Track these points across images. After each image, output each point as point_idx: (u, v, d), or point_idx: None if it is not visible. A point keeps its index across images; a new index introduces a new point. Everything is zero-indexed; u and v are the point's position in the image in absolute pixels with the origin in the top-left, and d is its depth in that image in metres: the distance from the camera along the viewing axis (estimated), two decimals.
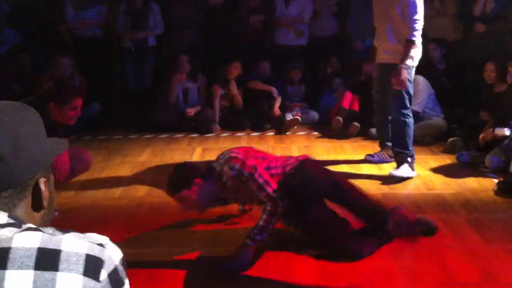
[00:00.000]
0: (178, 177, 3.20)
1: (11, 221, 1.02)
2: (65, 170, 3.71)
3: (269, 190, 3.12)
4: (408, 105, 4.62)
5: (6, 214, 1.03)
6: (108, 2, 7.05)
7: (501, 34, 5.99)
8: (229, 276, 3.05)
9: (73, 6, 6.77)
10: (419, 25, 4.35)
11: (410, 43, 4.38)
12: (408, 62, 4.45)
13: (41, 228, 1.03)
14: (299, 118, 6.53)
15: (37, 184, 1.10)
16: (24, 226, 1.02)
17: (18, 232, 0.99)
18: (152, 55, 7.09)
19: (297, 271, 3.09)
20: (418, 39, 4.37)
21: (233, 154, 3.17)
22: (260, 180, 3.12)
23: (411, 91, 4.61)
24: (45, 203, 1.13)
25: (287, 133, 6.44)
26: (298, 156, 3.45)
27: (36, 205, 1.11)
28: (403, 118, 4.59)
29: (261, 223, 3.11)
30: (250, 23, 7.21)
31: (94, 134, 6.44)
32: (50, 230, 1.03)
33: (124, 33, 6.87)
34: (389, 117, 4.77)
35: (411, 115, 4.67)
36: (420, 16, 4.35)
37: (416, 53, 4.47)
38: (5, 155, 1.04)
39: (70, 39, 7.03)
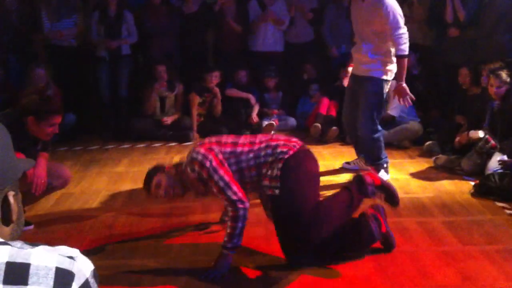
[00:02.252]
0: (149, 172, 3.43)
1: None
2: (41, 184, 3.63)
3: (229, 193, 3.04)
4: (376, 119, 4.64)
5: None
6: (82, 11, 7.00)
7: (473, 39, 6.07)
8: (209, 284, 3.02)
9: (48, 17, 6.70)
10: (405, 38, 4.36)
11: (402, 58, 4.40)
12: (385, 76, 4.49)
13: (9, 242, 1.00)
14: (274, 123, 6.56)
15: (6, 198, 1.09)
16: None
17: None
18: (127, 64, 7.04)
19: (278, 280, 3.08)
20: (407, 52, 4.39)
21: (194, 155, 3.13)
22: (221, 184, 3.05)
23: (381, 106, 4.65)
24: (14, 217, 1.11)
25: None
26: (288, 143, 3.22)
27: (5, 219, 1.09)
28: (371, 134, 4.63)
29: (228, 230, 3.06)
30: (228, 30, 7.19)
31: (70, 145, 6.37)
32: (18, 243, 1.01)
33: (98, 41, 6.82)
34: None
35: (379, 128, 4.70)
36: (404, 29, 4.35)
37: (394, 67, 4.51)
38: None
39: (44, 49, 6.97)
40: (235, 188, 3.07)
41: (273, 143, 3.20)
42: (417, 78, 6.47)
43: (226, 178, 3.08)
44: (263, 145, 3.20)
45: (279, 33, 7.30)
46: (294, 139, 3.33)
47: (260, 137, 3.30)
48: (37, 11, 6.80)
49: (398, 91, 4.53)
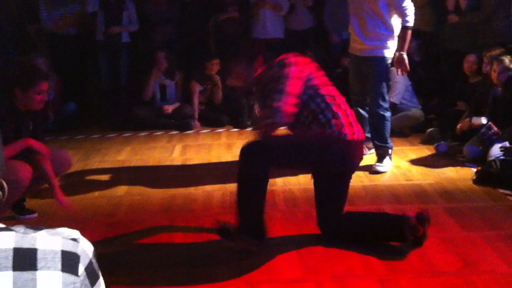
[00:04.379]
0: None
1: None
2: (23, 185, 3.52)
3: (282, 99, 3.06)
4: (387, 98, 4.65)
5: None
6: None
7: (474, 24, 6.04)
8: (211, 274, 3.04)
9: (46, 5, 6.68)
10: (410, 10, 4.39)
11: (406, 29, 4.43)
12: (386, 53, 4.48)
13: (11, 227, 1.01)
14: None
15: None
16: None
17: None
18: (126, 52, 7.03)
19: (280, 268, 3.09)
20: (412, 25, 4.41)
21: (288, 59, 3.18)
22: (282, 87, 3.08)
23: (388, 83, 4.65)
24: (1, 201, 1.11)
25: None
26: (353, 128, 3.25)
27: None
28: (382, 112, 4.62)
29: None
30: (228, 16, 7.17)
31: (71, 134, 6.37)
32: (21, 228, 1.01)
33: (98, 28, 6.79)
34: (367, 110, 4.79)
35: (388, 108, 4.70)
36: (409, 1, 4.39)
37: (393, 44, 4.51)
38: None
39: (43, 39, 6.95)
40: (289, 99, 3.08)
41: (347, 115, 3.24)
42: (419, 64, 6.45)
43: (290, 88, 3.09)
44: (339, 107, 3.23)
45: (279, 20, 7.27)
46: (359, 128, 3.33)
47: (343, 102, 3.31)
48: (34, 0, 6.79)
49: (398, 61, 4.51)
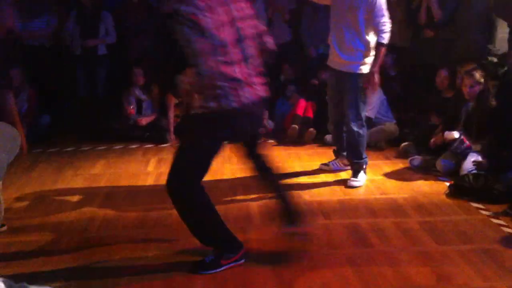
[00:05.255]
0: None
1: None
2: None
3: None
4: (363, 114, 4.68)
5: None
6: (57, 11, 6.92)
7: (449, 39, 6.13)
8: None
9: (20, 16, 6.60)
10: (387, 27, 4.42)
11: (381, 46, 4.45)
12: (362, 69, 4.50)
13: None
14: None
15: None
16: None
17: None
18: (103, 64, 6.98)
19: (255, 282, 3.07)
20: (386, 42, 4.44)
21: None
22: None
23: (364, 100, 4.67)
24: None
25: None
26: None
27: None
28: (357, 129, 4.64)
29: None
30: None
31: (45, 146, 6.27)
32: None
33: (74, 41, 6.74)
34: (344, 126, 4.80)
35: (364, 124, 4.73)
36: (387, 19, 4.42)
37: (370, 60, 4.53)
38: None
39: (17, 49, 6.86)
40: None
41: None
42: (394, 79, 6.53)
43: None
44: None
45: None
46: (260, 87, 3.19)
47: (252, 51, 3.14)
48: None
49: (368, 78, 4.51)
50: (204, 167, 3.12)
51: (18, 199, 4.52)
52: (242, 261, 3.25)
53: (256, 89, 3.15)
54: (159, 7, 7.12)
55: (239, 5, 3.13)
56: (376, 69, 4.50)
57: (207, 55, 2.89)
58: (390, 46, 6.55)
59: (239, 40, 3.05)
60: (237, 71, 3.01)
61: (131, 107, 6.63)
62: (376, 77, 4.51)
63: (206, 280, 3.08)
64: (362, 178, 4.71)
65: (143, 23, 6.99)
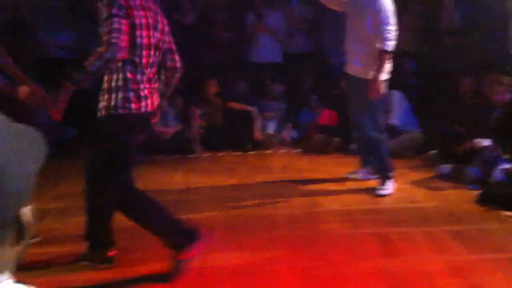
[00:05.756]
0: None
1: None
2: None
3: (115, 34, 2.92)
4: (381, 121, 4.64)
5: None
6: (78, 26, 7.02)
7: (469, 45, 6.08)
8: None
9: (44, 29, 6.71)
10: (392, 35, 4.39)
11: (384, 53, 4.42)
12: (381, 76, 4.48)
13: None
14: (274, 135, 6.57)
15: (20, 217, 0.94)
16: None
17: None
18: None
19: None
20: (390, 49, 4.42)
21: None
22: (116, 26, 2.94)
23: (383, 106, 4.65)
24: (28, 232, 0.97)
25: (268, 151, 6.45)
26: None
27: (21, 237, 0.95)
28: (375, 134, 4.62)
29: (85, 62, 2.95)
30: (219, 41, 7.24)
31: (71, 159, 6.34)
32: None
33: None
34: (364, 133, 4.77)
35: (383, 131, 4.69)
36: (392, 26, 4.40)
37: (387, 66, 4.51)
38: None
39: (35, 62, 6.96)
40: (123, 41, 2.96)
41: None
42: (416, 87, 6.49)
43: (123, 27, 2.97)
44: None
45: (277, 44, 7.33)
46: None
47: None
48: (29, 24, 6.81)
49: (370, 84, 4.47)
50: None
51: (51, 210, 4.57)
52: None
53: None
54: (179, 19, 7.18)
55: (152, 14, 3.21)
56: (379, 76, 4.46)
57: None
58: (410, 53, 6.60)
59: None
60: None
61: (159, 123, 6.65)
62: (379, 84, 4.47)
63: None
64: (390, 186, 4.68)
65: None
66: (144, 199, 3.33)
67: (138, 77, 3.12)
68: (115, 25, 2.94)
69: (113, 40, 2.92)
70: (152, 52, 3.16)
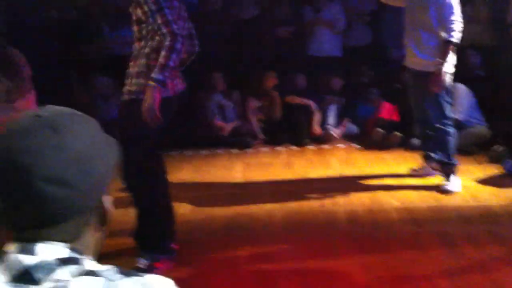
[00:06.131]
0: None
1: (72, 255, 0.99)
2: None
3: (174, 25, 3.04)
4: (448, 113, 4.53)
5: (65, 246, 0.99)
6: None
7: None
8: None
9: (108, 25, 6.86)
10: (457, 26, 4.29)
11: (449, 44, 4.31)
12: (446, 68, 4.37)
13: (99, 271, 0.98)
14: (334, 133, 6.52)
15: (101, 203, 1.06)
16: (84, 265, 0.98)
17: (77, 276, 0.95)
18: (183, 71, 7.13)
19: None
20: (456, 40, 4.30)
21: None
22: (169, 17, 3.05)
23: (449, 99, 4.53)
24: (107, 220, 1.09)
25: (327, 146, 6.40)
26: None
27: (100, 225, 1.07)
28: (444, 127, 4.51)
29: (161, 60, 3.03)
30: (278, 35, 7.22)
31: None
32: (111, 273, 0.99)
33: None
34: (430, 127, 4.67)
35: (451, 124, 4.58)
36: (457, 17, 4.29)
37: (452, 58, 4.40)
38: (71, 180, 0.97)
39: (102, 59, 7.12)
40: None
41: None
42: (483, 80, 6.28)
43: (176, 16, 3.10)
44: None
45: (336, 37, 7.25)
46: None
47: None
48: (93, 21, 6.97)
49: (433, 76, 4.35)
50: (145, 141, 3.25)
51: (114, 203, 4.69)
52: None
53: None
54: (239, 13, 7.21)
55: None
56: (443, 67, 4.33)
57: None
58: (478, 46, 6.39)
59: None
60: None
61: (217, 118, 6.71)
62: (443, 75, 4.34)
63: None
64: (456, 183, 4.54)
65: (223, 30, 7.10)
66: (162, 183, 3.41)
67: None
68: (169, 17, 3.05)
69: (176, 31, 2.99)
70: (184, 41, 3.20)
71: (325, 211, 4.25)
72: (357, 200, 4.43)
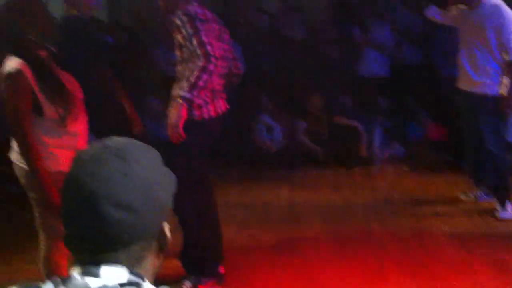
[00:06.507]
0: None
1: (134, 279, 1.03)
2: None
3: (209, 47, 3.08)
4: (504, 137, 4.43)
5: (127, 270, 1.03)
6: None
7: None
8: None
9: (164, 47, 7.00)
10: None
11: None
12: (498, 89, 4.28)
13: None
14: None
15: (162, 230, 1.11)
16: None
17: None
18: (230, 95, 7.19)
19: None
20: None
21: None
22: (204, 39, 3.10)
23: (504, 121, 4.43)
24: (167, 246, 1.13)
25: (374, 167, 6.33)
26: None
27: (160, 251, 1.12)
28: (499, 152, 4.40)
29: (191, 79, 3.06)
30: (326, 55, 7.24)
31: None
32: None
33: None
34: (483, 151, 4.56)
35: (506, 147, 4.47)
36: None
37: (507, 80, 4.30)
38: (136, 206, 1.02)
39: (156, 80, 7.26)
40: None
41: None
42: None
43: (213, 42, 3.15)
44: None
45: (384, 58, 7.20)
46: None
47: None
48: (145, 42, 7.12)
49: (506, 101, 4.26)
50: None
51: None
52: None
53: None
54: (287, 34, 7.26)
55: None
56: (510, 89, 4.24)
57: None
58: None
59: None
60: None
61: (265, 138, 6.73)
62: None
63: None
64: (510, 209, 4.42)
65: (272, 50, 7.16)
66: (208, 205, 3.47)
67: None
68: (204, 38, 3.11)
69: (211, 52, 3.07)
70: (219, 63, 3.23)
71: (373, 235, 4.19)
72: (405, 224, 4.36)
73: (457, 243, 3.96)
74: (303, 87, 7.10)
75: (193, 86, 3.06)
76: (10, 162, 2.73)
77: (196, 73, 3.06)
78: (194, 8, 3.21)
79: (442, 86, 6.97)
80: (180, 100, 3.09)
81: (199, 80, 3.07)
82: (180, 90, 3.10)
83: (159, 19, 6.99)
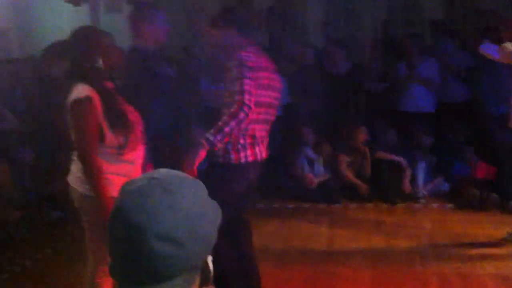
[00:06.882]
0: None
1: None
2: None
3: (247, 96, 3.05)
4: None
5: None
6: None
7: None
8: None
9: (208, 78, 7.10)
10: None
11: None
12: None
13: None
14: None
15: (205, 263, 1.10)
16: None
17: None
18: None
19: None
20: None
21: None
22: (246, 87, 3.07)
23: None
24: (209, 279, 1.13)
25: (417, 204, 6.19)
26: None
27: (204, 284, 1.11)
28: None
29: (219, 123, 3.03)
30: (371, 90, 7.20)
31: None
32: None
33: None
34: None
35: None
36: None
37: None
38: (181, 238, 1.02)
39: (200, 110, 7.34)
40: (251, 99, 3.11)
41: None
42: None
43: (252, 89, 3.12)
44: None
45: (430, 93, 7.11)
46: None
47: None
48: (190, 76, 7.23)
49: None
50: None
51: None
52: None
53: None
54: (331, 68, 7.27)
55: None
56: None
57: None
58: None
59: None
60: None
61: (306, 171, 6.69)
62: None
63: None
64: None
65: (315, 84, 7.17)
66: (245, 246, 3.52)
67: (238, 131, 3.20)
68: (246, 87, 3.10)
69: (246, 102, 3.07)
70: (263, 110, 3.24)
71: (416, 276, 4.08)
72: (450, 264, 4.22)
73: (502, 285, 3.81)
74: (347, 121, 7.07)
75: (218, 131, 3.06)
76: (53, 190, 2.80)
77: (225, 117, 3.08)
78: (248, 54, 3.22)
79: (491, 124, 6.83)
80: (203, 141, 3.10)
81: (226, 126, 3.06)
82: (208, 132, 3.11)
83: (210, 55, 7.12)
